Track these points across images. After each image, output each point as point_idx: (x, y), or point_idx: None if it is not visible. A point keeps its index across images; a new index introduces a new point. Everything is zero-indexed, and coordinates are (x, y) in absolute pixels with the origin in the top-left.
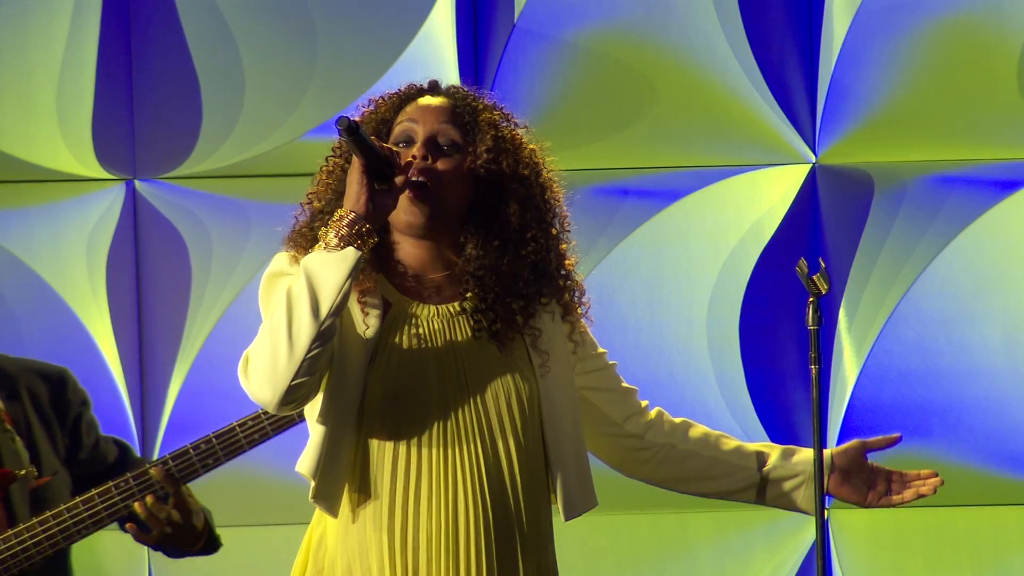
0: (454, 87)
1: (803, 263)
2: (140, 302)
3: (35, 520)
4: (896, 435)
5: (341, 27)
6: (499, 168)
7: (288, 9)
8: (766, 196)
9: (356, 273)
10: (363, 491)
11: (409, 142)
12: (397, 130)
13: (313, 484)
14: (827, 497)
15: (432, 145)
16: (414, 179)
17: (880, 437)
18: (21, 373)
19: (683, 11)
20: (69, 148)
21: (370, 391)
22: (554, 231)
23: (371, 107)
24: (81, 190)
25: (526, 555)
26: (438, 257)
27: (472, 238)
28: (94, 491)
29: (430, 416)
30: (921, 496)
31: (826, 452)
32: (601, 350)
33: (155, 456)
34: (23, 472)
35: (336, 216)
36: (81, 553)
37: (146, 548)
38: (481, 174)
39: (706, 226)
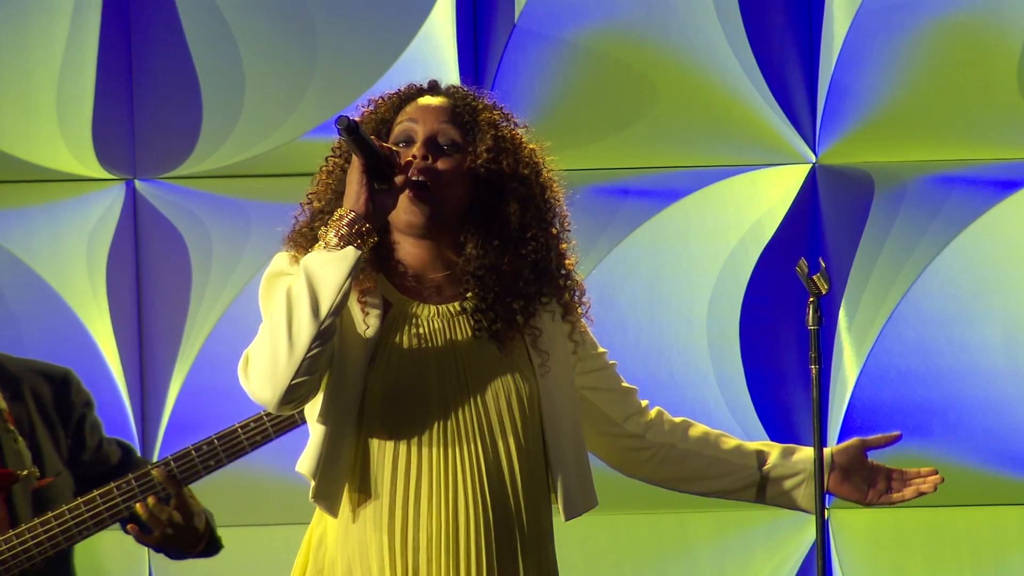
0: (454, 87)
1: (803, 263)
2: (140, 302)
3: (37, 520)
4: (896, 433)
5: (341, 27)
6: (499, 168)
7: (288, 9)
8: (766, 196)
9: (356, 272)
10: (363, 491)
11: (409, 142)
12: (397, 130)
13: (313, 484)
14: (827, 496)
15: (432, 145)
16: (414, 179)
17: (880, 435)
18: (25, 373)
19: (683, 11)
20: (69, 148)
21: (370, 391)
22: (554, 231)
23: (371, 107)
24: (81, 190)
25: (526, 555)
26: (438, 257)
27: (472, 238)
28: (96, 492)
29: (430, 416)
30: (922, 494)
31: (826, 450)
32: (601, 350)
33: (155, 456)
34: (25, 472)
35: (336, 216)
36: (82, 553)
37: (146, 548)
38: (481, 174)
39: (706, 226)
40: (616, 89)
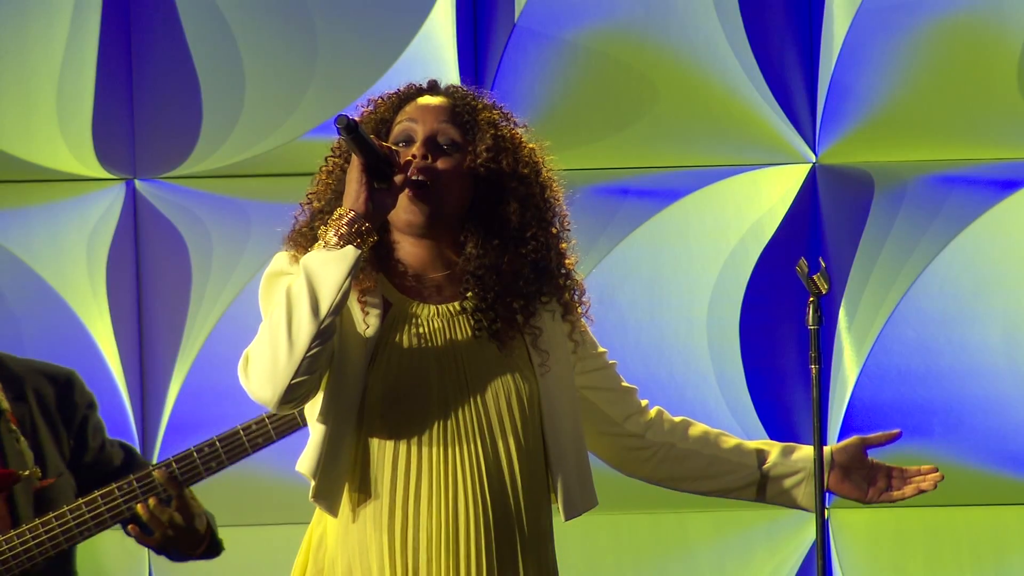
0: (453, 86)
1: (803, 263)
2: (140, 302)
3: (38, 520)
4: (896, 431)
5: (341, 27)
6: (499, 167)
7: (288, 9)
8: (766, 196)
9: (356, 272)
10: (363, 490)
11: (409, 141)
12: (397, 130)
13: (313, 483)
14: (828, 494)
15: (432, 144)
16: (414, 178)
17: (880, 433)
18: (28, 374)
19: (683, 11)
20: (69, 148)
21: (370, 391)
22: (554, 230)
23: (370, 107)
24: (81, 190)
25: (526, 554)
26: (438, 256)
27: (472, 237)
28: (97, 492)
29: (430, 416)
30: (922, 491)
31: (826, 449)
32: (601, 349)
33: (155, 456)
34: (27, 473)
35: (336, 215)
36: (83, 553)
37: (147, 549)
38: (481, 173)
39: (706, 226)
40: (616, 89)
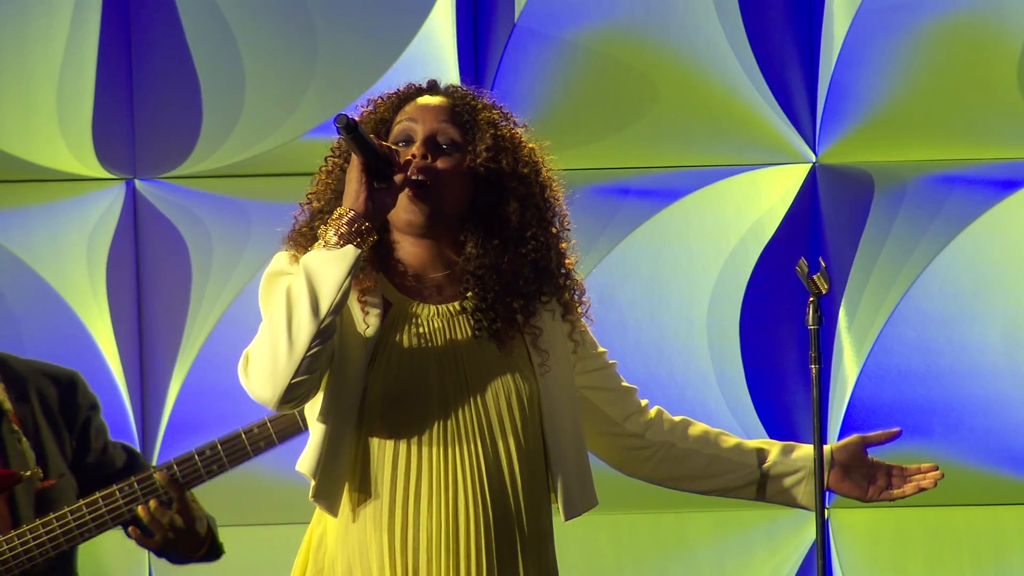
0: (453, 86)
1: (803, 263)
2: (140, 302)
3: (38, 521)
4: (896, 429)
5: (341, 27)
6: (499, 167)
7: (288, 9)
8: (766, 196)
9: (356, 271)
10: (363, 490)
11: (408, 141)
12: (396, 129)
13: (313, 483)
14: (828, 493)
15: (431, 144)
16: (414, 177)
17: (880, 432)
18: (31, 375)
19: (683, 11)
20: (69, 148)
21: (370, 390)
22: (554, 229)
23: (370, 107)
24: (81, 189)
25: (526, 554)
26: (438, 256)
27: (472, 237)
28: (98, 494)
29: (430, 416)
30: (922, 489)
31: (826, 448)
32: (601, 349)
33: (155, 455)
34: (28, 473)
35: (336, 214)
36: (84, 554)
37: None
38: (481, 173)
39: (706, 226)
40: (616, 89)
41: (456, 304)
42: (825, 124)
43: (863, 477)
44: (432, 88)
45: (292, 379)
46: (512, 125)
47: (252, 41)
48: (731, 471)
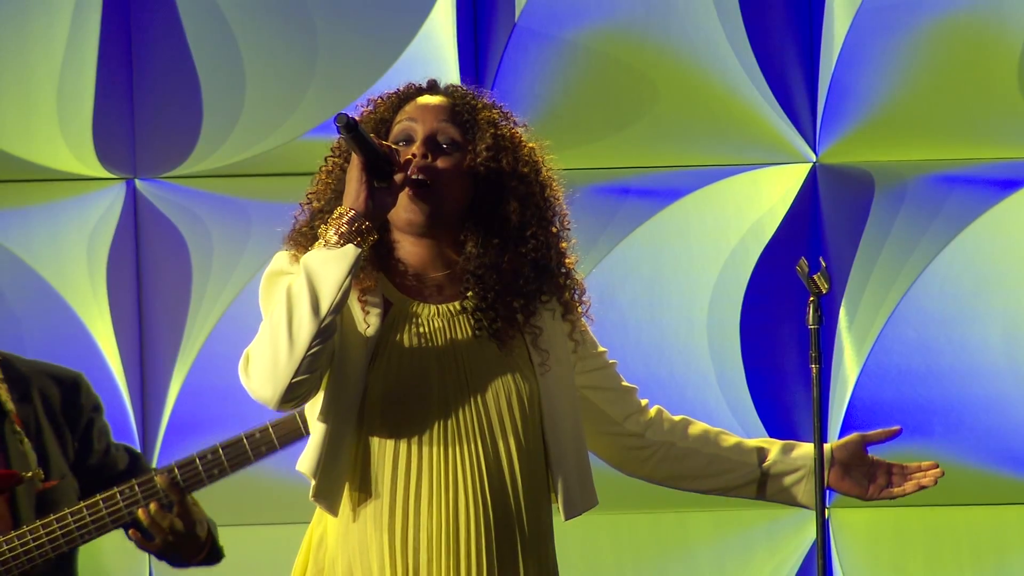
0: (453, 86)
1: (803, 262)
2: (141, 301)
3: (38, 522)
4: (896, 427)
5: (341, 27)
6: (499, 166)
7: (288, 8)
8: (767, 195)
9: (356, 270)
10: (364, 490)
11: (409, 141)
12: (396, 129)
13: (313, 483)
14: (828, 492)
15: (432, 143)
16: (414, 177)
17: (880, 430)
18: (34, 375)
19: (683, 10)
20: (70, 147)
21: (371, 390)
22: (554, 229)
23: (370, 107)
24: (81, 189)
25: (526, 554)
26: (438, 256)
27: (472, 236)
28: (99, 496)
29: (431, 415)
30: (922, 487)
31: (826, 446)
32: (601, 349)
33: (156, 455)
34: (30, 474)
35: (336, 214)
36: (84, 554)
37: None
38: (481, 172)
39: (707, 225)
40: (616, 88)
41: (456, 304)
42: (825, 124)
43: (863, 475)
44: (432, 88)
45: (293, 378)
46: (512, 124)
47: (252, 41)
48: (731, 470)
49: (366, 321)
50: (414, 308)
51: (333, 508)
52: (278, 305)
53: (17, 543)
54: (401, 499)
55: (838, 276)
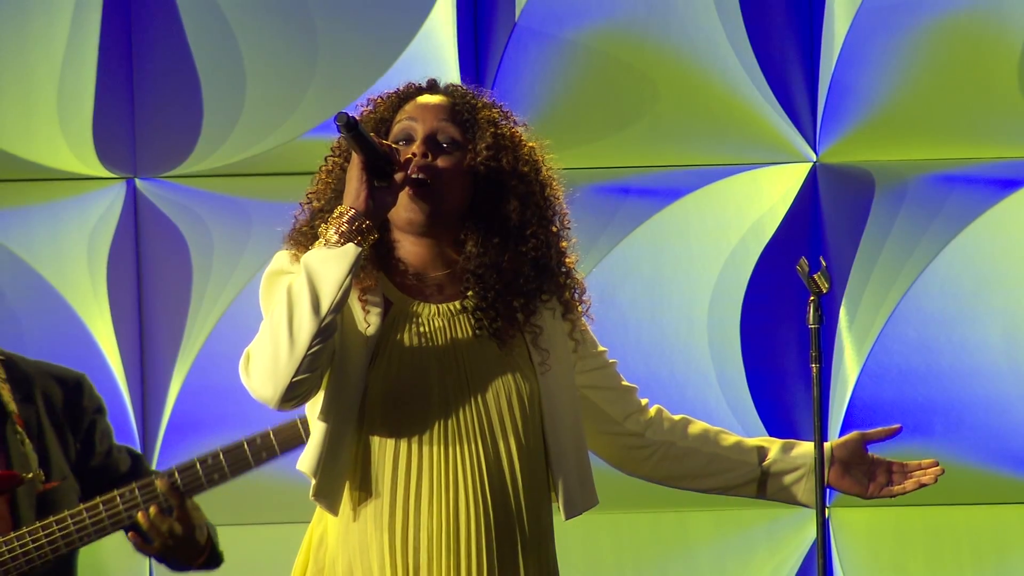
0: (453, 85)
1: (804, 262)
2: (141, 301)
3: (38, 524)
4: (896, 426)
5: (342, 26)
6: (499, 165)
7: (289, 8)
8: (767, 195)
9: (356, 269)
10: (364, 489)
11: (409, 140)
12: (396, 128)
13: (314, 482)
14: (828, 490)
15: (432, 143)
16: (414, 176)
17: (880, 429)
18: (37, 375)
19: (684, 10)
20: (70, 147)
21: (371, 390)
22: (554, 228)
23: (370, 107)
24: (82, 189)
25: (527, 554)
26: (439, 255)
27: (472, 236)
28: (99, 498)
29: (431, 415)
30: (923, 485)
31: (826, 445)
32: (601, 348)
33: (156, 455)
34: (30, 475)
35: (336, 213)
36: (85, 554)
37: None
38: (481, 171)
39: (707, 225)
40: (617, 88)
41: (457, 303)
42: (826, 123)
43: (863, 474)
44: (432, 87)
45: (293, 377)
46: (512, 124)
47: (253, 40)
48: (731, 469)
49: (366, 320)
50: (414, 307)
51: (333, 507)
52: (278, 304)
53: (16, 544)
54: (401, 498)
55: (838, 276)
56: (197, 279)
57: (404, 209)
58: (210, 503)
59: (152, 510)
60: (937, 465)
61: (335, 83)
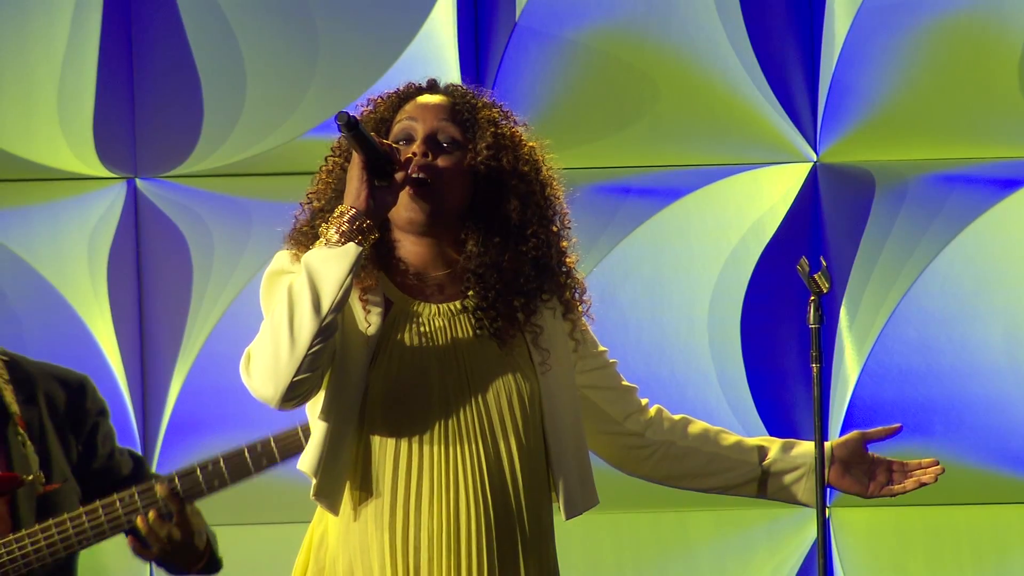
0: (453, 85)
1: (804, 262)
2: (141, 301)
3: (38, 527)
4: (896, 425)
5: (342, 26)
6: (499, 165)
7: (289, 8)
8: (767, 195)
9: (357, 268)
10: (364, 489)
11: (409, 140)
12: (396, 128)
13: (315, 481)
14: (829, 489)
15: (432, 142)
16: (414, 175)
17: (880, 428)
18: (40, 377)
19: (684, 9)
20: (70, 147)
21: (372, 389)
22: (555, 228)
23: (370, 107)
24: (82, 188)
25: (527, 553)
26: (439, 255)
27: (473, 235)
28: (98, 503)
29: (431, 415)
30: (923, 484)
31: (826, 444)
32: (601, 348)
33: (156, 455)
34: (30, 477)
35: (337, 212)
36: (85, 555)
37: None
38: (481, 171)
39: (707, 225)
40: (617, 88)
41: (457, 303)
42: (826, 123)
43: (863, 473)
44: (432, 87)
45: (294, 377)
46: (512, 123)
47: (253, 40)
48: (731, 469)
49: (367, 320)
50: (415, 307)
51: (334, 507)
52: (279, 304)
53: (15, 547)
54: (402, 498)
55: (839, 275)
56: (197, 279)
57: (405, 209)
58: (210, 503)
59: (151, 515)
60: (937, 464)
61: (335, 83)
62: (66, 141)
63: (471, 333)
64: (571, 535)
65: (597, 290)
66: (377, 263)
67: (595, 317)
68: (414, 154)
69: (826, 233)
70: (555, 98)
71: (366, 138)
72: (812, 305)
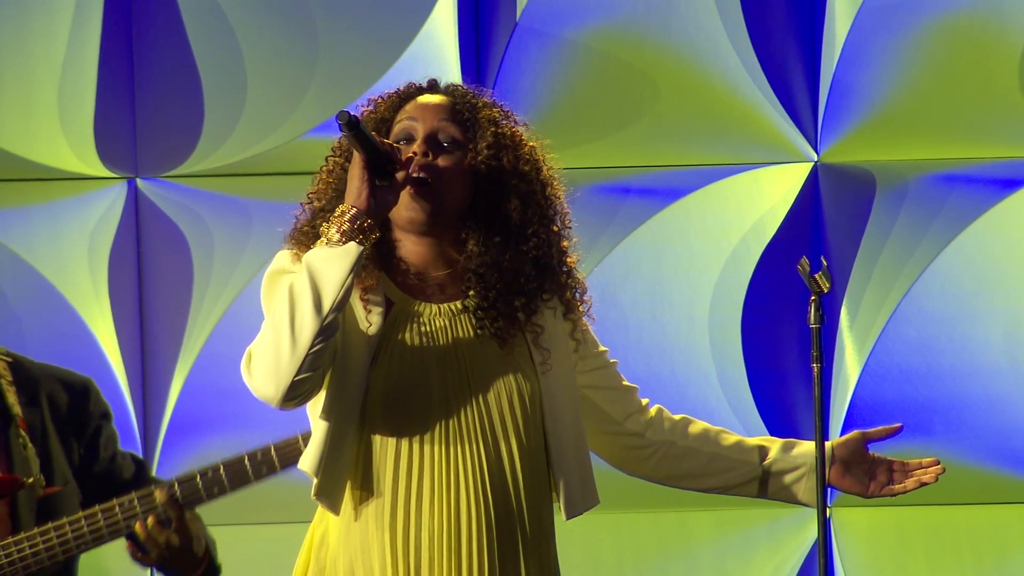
0: (453, 85)
1: (805, 261)
2: (142, 301)
3: (36, 531)
4: (897, 425)
5: (343, 26)
6: (500, 164)
7: (290, 8)
8: (768, 194)
9: (358, 268)
10: (365, 489)
11: (409, 139)
12: (397, 128)
13: (315, 481)
14: (829, 489)
15: (432, 142)
16: (415, 175)
17: (880, 428)
18: (43, 379)
19: (684, 9)
20: (71, 146)
21: (372, 389)
22: (555, 227)
23: (371, 107)
24: (83, 188)
25: (528, 553)
26: (440, 255)
27: (473, 235)
28: (98, 507)
29: (432, 414)
30: (923, 484)
31: (827, 444)
32: (602, 348)
33: (157, 455)
34: (31, 480)
35: (337, 212)
36: (85, 557)
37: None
38: (482, 171)
39: (708, 225)
40: (617, 87)
41: (458, 303)
42: (827, 123)
43: (864, 473)
44: (432, 87)
45: (295, 376)
46: (513, 123)
47: (254, 40)
48: (732, 469)
49: (368, 320)
50: (416, 307)
51: (335, 507)
52: (280, 303)
53: (14, 550)
54: (403, 498)
55: (839, 275)
56: (198, 279)
57: (405, 208)
58: (210, 503)
59: (150, 521)
60: (938, 463)
61: (336, 83)
62: (67, 141)
63: (472, 333)
64: (572, 535)
65: (597, 290)
66: (378, 263)
67: (596, 317)
68: (415, 154)
69: (826, 233)
70: (555, 98)
71: (367, 137)
72: (813, 305)
